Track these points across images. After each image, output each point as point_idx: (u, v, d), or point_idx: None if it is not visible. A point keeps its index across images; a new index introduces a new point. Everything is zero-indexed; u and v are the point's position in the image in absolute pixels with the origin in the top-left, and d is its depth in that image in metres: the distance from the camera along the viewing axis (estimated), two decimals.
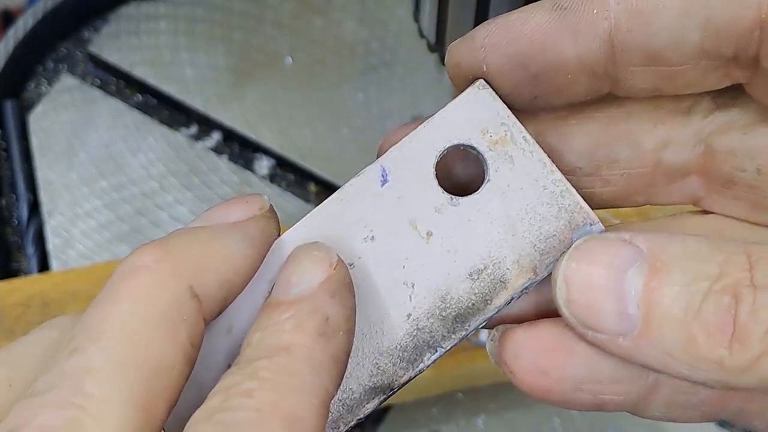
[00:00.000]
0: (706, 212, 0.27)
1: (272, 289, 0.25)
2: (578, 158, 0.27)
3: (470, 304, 0.26)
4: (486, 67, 0.25)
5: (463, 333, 0.26)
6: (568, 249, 0.24)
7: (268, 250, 0.26)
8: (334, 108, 0.65)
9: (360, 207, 0.26)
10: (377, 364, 0.26)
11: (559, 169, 0.26)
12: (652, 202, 0.28)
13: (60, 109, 0.66)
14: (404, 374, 0.26)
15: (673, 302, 0.22)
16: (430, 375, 0.52)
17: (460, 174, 0.27)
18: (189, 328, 0.23)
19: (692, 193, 0.27)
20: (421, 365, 0.26)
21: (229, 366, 0.25)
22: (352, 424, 0.26)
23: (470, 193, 0.26)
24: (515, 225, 0.26)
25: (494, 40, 0.25)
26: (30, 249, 0.61)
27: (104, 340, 0.22)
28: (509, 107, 0.26)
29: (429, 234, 0.26)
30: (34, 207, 0.62)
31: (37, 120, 0.65)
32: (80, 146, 0.64)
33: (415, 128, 0.26)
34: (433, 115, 0.26)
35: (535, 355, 0.24)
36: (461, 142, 0.26)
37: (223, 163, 0.64)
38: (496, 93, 0.26)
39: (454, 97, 0.26)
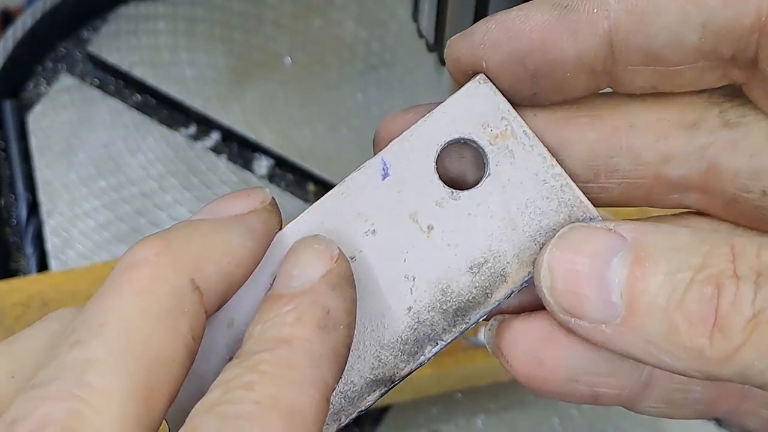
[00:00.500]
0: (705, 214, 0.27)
1: (273, 282, 0.25)
2: (576, 165, 0.27)
3: (471, 298, 0.26)
4: (485, 63, 0.25)
5: (464, 326, 0.26)
6: None
7: (270, 244, 0.26)
8: (334, 108, 0.65)
9: (361, 201, 0.26)
10: (378, 356, 0.26)
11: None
12: (649, 206, 0.28)
13: (59, 109, 0.66)
14: (405, 367, 0.26)
15: (656, 291, 0.22)
16: (429, 375, 0.52)
17: (455, 168, 0.27)
18: (190, 321, 0.23)
19: (692, 204, 0.27)
20: (422, 358, 0.26)
21: (230, 359, 0.25)
22: (353, 416, 0.26)
23: (470, 187, 0.26)
24: (515, 219, 0.26)
25: (494, 37, 0.25)
26: (29, 249, 0.61)
27: (105, 332, 0.22)
28: (509, 102, 0.26)
29: (430, 228, 0.26)
30: (33, 207, 0.62)
31: (36, 120, 0.65)
32: (79, 146, 0.64)
33: (415, 121, 0.26)
34: (433, 108, 0.26)
35: (531, 345, 0.25)
36: (462, 136, 0.26)
37: (222, 163, 0.64)
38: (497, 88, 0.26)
39: (455, 92, 0.26)
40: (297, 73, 0.67)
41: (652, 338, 0.22)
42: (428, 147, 0.26)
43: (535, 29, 0.24)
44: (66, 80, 0.67)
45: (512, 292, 0.26)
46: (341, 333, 0.24)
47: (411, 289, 0.26)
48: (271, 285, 0.25)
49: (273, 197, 0.26)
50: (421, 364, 0.26)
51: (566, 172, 0.26)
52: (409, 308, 0.26)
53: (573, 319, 0.23)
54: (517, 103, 0.26)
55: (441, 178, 0.26)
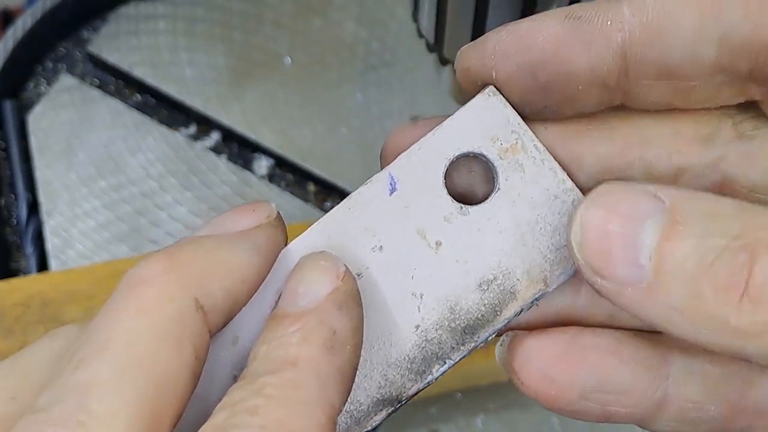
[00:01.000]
0: None
1: (279, 299, 0.24)
2: (589, 180, 0.26)
3: (479, 316, 0.25)
4: (495, 74, 0.25)
5: (473, 345, 0.25)
6: None
7: (275, 260, 0.25)
8: (334, 108, 0.65)
9: (368, 216, 0.26)
10: (385, 375, 0.25)
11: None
12: None
13: (59, 109, 0.66)
14: (412, 386, 0.26)
15: (685, 255, 0.21)
16: None
17: (463, 182, 0.27)
18: (194, 341, 0.23)
19: None
20: (430, 377, 0.25)
21: (234, 377, 0.24)
22: None
23: (479, 202, 0.26)
24: (525, 235, 0.25)
25: (505, 47, 0.24)
26: (29, 249, 0.61)
27: (110, 351, 0.22)
28: (519, 115, 0.26)
29: (438, 244, 0.25)
30: (33, 207, 0.62)
31: (36, 120, 0.65)
32: (79, 146, 0.64)
33: (423, 134, 0.26)
34: (441, 121, 0.26)
35: (544, 362, 0.24)
36: (471, 150, 0.26)
37: (222, 163, 0.64)
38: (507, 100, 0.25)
39: (464, 103, 0.26)
40: (297, 73, 0.67)
41: (676, 304, 0.21)
42: (436, 161, 0.26)
43: (547, 40, 0.24)
44: (66, 80, 0.67)
45: (522, 310, 0.25)
46: (348, 353, 0.23)
47: (419, 307, 0.25)
48: (277, 302, 0.25)
49: (278, 212, 0.26)
50: (428, 384, 0.26)
51: (578, 186, 0.26)
52: (417, 326, 0.25)
53: (599, 279, 0.22)
54: (527, 116, 0.26)
55: (450, 192, 0.26)
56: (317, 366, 0.22)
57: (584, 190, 0.25)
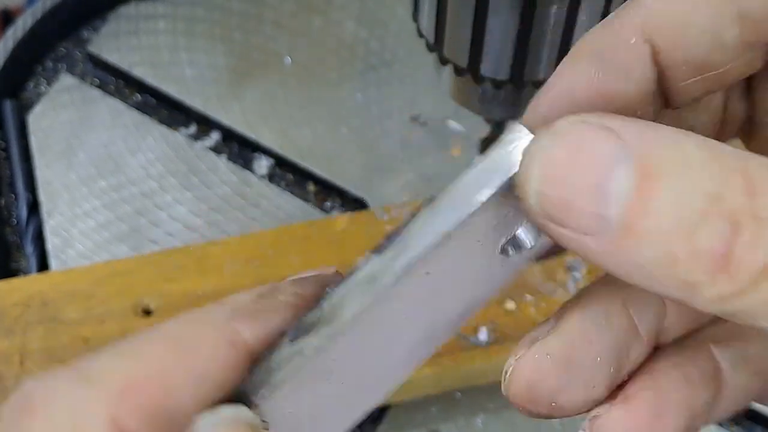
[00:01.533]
0: None
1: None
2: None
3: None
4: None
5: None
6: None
7: None
8: (334, 108, 0.65)
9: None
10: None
11: None
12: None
13: (59, 108, 0.66)
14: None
15: (662, 216, 0.20)
16: (428, 374, 0.52)
17: None
18: None
19: None
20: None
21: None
22: None
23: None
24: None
25: (553, 113, 0.23)
26: (29, 249, 0.61)
27: None
28: None
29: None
30: (34, 207, 0.62)
31: (37, 120, 0.65)
32: (79, 146, 0.64)
33: None
34: None
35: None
36: None
37: (222, 162, 0.64)
38: None
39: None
40: (297, 73, 0.67)
41: (646, 263, 0.20)
42: None
43: (587, 93, 0.23)
44: (66, 80, 0.67)
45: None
46: None
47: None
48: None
49: None
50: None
51: None
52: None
53: (554, 226, 0.21)
54: None
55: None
56: None
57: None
